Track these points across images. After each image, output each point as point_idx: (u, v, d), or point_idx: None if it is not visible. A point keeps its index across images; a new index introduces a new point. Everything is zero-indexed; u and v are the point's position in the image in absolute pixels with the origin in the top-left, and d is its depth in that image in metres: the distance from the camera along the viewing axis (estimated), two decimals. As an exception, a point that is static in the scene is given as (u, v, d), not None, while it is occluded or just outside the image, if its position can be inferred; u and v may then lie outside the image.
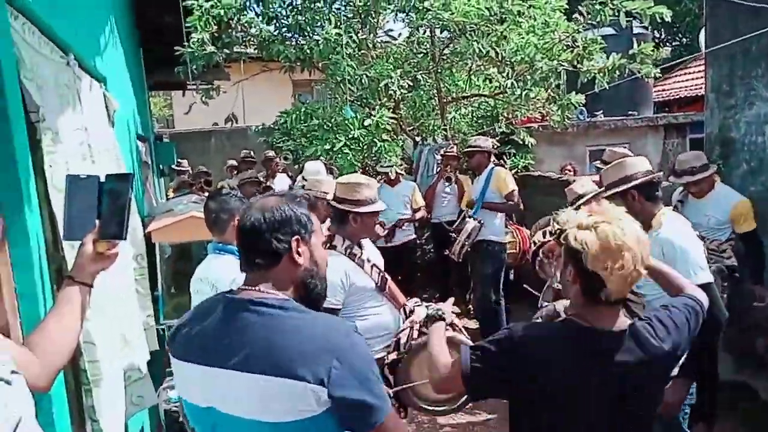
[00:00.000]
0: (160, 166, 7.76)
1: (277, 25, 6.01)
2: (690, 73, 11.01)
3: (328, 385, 1.17)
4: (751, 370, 3.81)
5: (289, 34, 6.21)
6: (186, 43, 5.15)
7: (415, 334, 2.51)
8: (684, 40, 15.06)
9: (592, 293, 1.47)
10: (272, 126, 7.76)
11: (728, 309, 3.41)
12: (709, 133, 4.30)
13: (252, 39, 6.19)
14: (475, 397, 1.85)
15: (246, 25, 5.73)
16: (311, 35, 5.77)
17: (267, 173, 7.31)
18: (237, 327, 1.25)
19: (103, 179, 1.40)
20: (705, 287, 2.13)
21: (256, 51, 6.45)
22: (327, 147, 4.64)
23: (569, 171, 6.53)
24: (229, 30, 5.80)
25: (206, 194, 6.92)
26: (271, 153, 7.54)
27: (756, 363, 3.80)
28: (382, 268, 2.70)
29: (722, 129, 4.17)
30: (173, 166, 8.68)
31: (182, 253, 4.05)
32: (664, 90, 11.09)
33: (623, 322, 1.52)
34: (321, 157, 4.78)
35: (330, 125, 5.07)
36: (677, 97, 10.64)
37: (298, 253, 1.32)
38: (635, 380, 1.50)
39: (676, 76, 11.19)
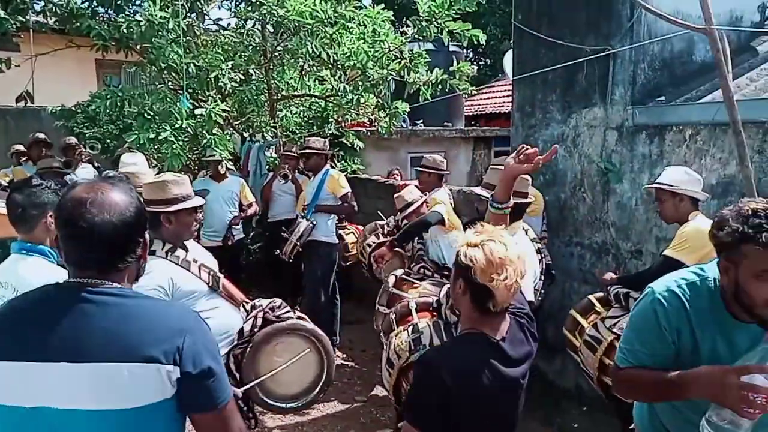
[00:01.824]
0: None
1: (87, -5, 5.35)
2: (494, 92, 12.38)
3: (181, 363, 1.19)
4: (542, 354, 4.41)
5: (102, 9, 5.56)
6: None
7: (259, 322, 2.44)
8: (488, 60, 16.90)
9: (481, 304, 1.61)
10: (74, 109, 6.87)
11: (542, 305, 3.93)
12: (514, 147, 4.84)
13: (54, 8, 5.41)
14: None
15: (48, -9, 5.00)
16: (130, 14, 5.23)
17: (69, 162, 6.43)
18: (70, 317, 1.19)
19: None
20: None
21: (57, 23, 5.66)
22: (151, 136, 4.24)
23: (396, 176, 6.89)
24: (25, -6, 5.00)
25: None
26: (73, 140, 6.66)
27: (546, 348, 4.40)
28: (214, 267, 2.58)
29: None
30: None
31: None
32: (472, 105, 12.32)
33: (506, 326, 1.69)
34: (144, 147, 4.36)
35: (151, 114, 4.65)
36: (484, 112, 11.91)
37: (146, 247, 1.34)
38: (521, 377, 1.69)
39: (482, 93, 12.49)
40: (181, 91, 5.26)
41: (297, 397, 2.53)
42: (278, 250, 4.86)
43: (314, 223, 4.71)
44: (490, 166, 3.67)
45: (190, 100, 5.34)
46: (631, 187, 3.92)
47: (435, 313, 2.88)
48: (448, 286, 2.66)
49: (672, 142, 3.70)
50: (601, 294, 3.16)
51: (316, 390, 2.56)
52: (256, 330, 2.43)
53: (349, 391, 4.37)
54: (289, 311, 2.59)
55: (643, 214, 3.83)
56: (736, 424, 1.39)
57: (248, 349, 2.39)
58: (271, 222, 5.64)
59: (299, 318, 2.60)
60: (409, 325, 2.82)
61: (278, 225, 5.57)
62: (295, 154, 5.60)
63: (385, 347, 2.91)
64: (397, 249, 4.11)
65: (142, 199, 1.31)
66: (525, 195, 2.76)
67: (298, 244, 4.70)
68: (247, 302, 2.59)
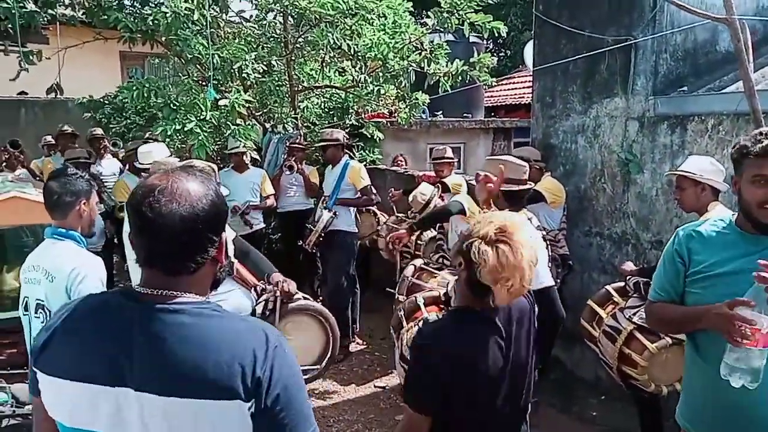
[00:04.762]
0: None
1: (114, -11, 5.46)
2: (514, 83, 12.32)
3: (257, 396, 1.05)
4: (561, 343, 4.43)
5: (128, 2, 5.68)
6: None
7: (271, 305, 2.56)
8: (508, 52, 16.77)
9: (478, 293, 1.64)
10: (101, 100, 7.03)
11: (562, 295, 3.98)
12: (534, 138, 4.89)
13: (82, 1, 5.54)
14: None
15: (77, -16, 5.13)
16: (156, 5, 5.34)
17: (94, 154, 6.59)
18: (145, 339, 1.06)
19: None
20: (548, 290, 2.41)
21: (84, 15, 5.79)
22: (177, 127, 4.34)
23: (401, 161, 6.94)
24: (55, -12, 5.13)
25: (16, 172, 6.05)
26: (99, 131, 6.83)
27: (565, 338, 4.43)
28: (230, 251, 2.67)
29: (545, 136, 4.77)
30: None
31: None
32: (492, 96, 12.27)
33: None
34: (171, 138, 4.47)
35: (177, 105, 4.76)
36: (504, 103, 11.85)
37: (223, 250, 1.16)
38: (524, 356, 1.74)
39: (502, 84, 12.44)
40: (205, 83, 5.36)
41: (303, 370, 2.64)
42: (301, 241, 4.94)
43: (336, 213, 4.78)
44: (486, 158, 3.73)
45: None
46: (652, 178, 3.91)
47: (443, 307, 2.91)
48: (456, 279, 2.72)
49: (694, 132, 3.68)
50: (619, 284, 3.18)
51: (321, 366, 2.71)
52: (267, 312, 2.56)
53: (369, 378, 4.46)
54: (297, 292, 2.70)
55: (664, 205, 3.83)
56: (744, 361, 1.58)
57: None
58: (281, 213, 5.75)
59: (305, 298, 2.73)
60: (420, 320, 2.79)
61: (287, 216, 5.68)
62: (302, 146, 5.71)
63: (396, 344, 2.94)
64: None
65: (222, 194, 1.16)
66: (524, 182, 2.76)
67: (322, 234, 4.78)
68: (258, 285, 2.69)
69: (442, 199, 4.50)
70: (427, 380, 1.61)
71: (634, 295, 2.99)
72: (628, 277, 3.10)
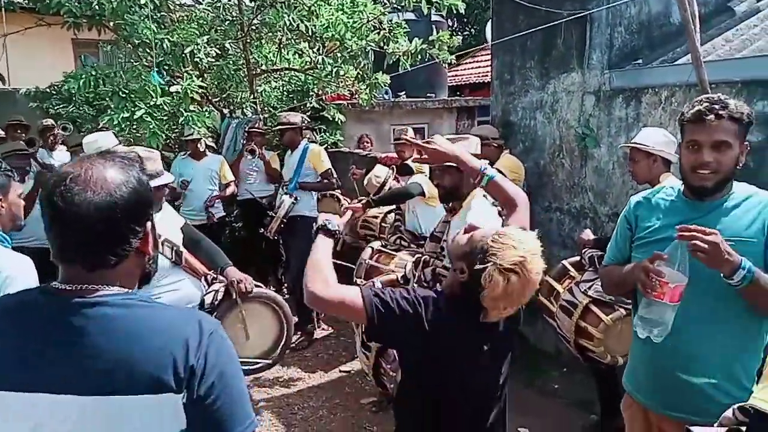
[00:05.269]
0: None
1: (56, -28, 5.19)
2: (478, 62, 12.27)
3: (190, 387, 0.99)
4: (522, 318, 4.47)
5: (72, -15, 5.43)
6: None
7: (220, 296, 2.54)
8: (472, 30, 16.68)
9: (468, 300, 1.57)
10: (49, 90, 6.75)
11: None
12: (494, 116, 4.87)
13: (23, -15, 5.30)
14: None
15: (15, -32, 4.88)
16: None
17: (44, 145, 6.33)
18: (65, 337, 0.99)
19: None
20: None
21: (27, 1, 5.53)
22: (126, 115, 4.18)
23: (366, 142, 6.88)
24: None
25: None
26: (50, 121, 6.57)
27: (527, 313, 4.46)
28: (178, 239, 2.59)
29: (504, 113, 4.76)
30: None
31: None
32: (456, 75, 12.22)
33: None
34: (120, 128, 4.30)
35: (126, 92, 4.58)
36: (468, 82, 11.82)
37: (149, 241, 1.10)
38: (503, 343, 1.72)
39: (466, 63, 12.39)
40: (156, 68, 5.18)
41: (257, 359, 2.64)
42: (262, 229, 4.85)
43: (297, 198, 4.70)
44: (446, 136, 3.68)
45: (167, 77, 5.25)
46: (608, 152, 3.93)
47: None
48: (414, 261, 2.69)
49: (648, 104, 3.70)
50: (575, 259, 3.20)
51: (276, 353, 2.72)
52: (216, 302, 2.55)
53: (334, 363, 4.43)
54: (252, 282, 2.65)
55: (620, 178, 3.86)
56: (652, 313, 1.68)
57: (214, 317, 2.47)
58: (241, 200, 5.62)
59: (257, 286, 2.69)
60: None
61: (247, 204, 5.55)
62: (262, 131, 5.59)
63: (356, 331, 2.91)
64: None
65: (147, 181, 1.10)
66: (477, 157, 2.77)
67: (284, 220, 4.69)
68: (208, 274, 2.65)
69: (398, 181, 4.47)
70: (402, 314, 1.56)
71: (590, 268, 3.01)
72: (584, 251, 3.12)
